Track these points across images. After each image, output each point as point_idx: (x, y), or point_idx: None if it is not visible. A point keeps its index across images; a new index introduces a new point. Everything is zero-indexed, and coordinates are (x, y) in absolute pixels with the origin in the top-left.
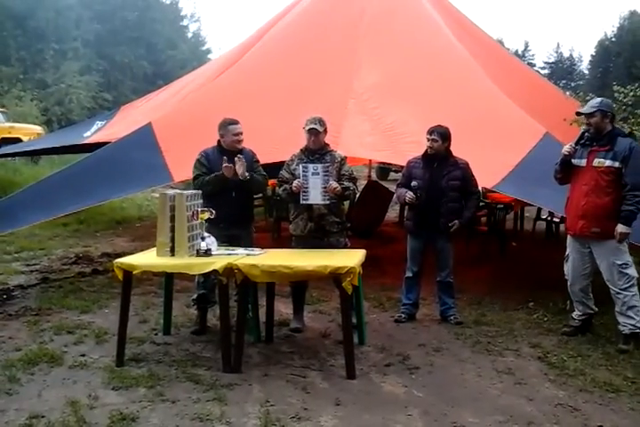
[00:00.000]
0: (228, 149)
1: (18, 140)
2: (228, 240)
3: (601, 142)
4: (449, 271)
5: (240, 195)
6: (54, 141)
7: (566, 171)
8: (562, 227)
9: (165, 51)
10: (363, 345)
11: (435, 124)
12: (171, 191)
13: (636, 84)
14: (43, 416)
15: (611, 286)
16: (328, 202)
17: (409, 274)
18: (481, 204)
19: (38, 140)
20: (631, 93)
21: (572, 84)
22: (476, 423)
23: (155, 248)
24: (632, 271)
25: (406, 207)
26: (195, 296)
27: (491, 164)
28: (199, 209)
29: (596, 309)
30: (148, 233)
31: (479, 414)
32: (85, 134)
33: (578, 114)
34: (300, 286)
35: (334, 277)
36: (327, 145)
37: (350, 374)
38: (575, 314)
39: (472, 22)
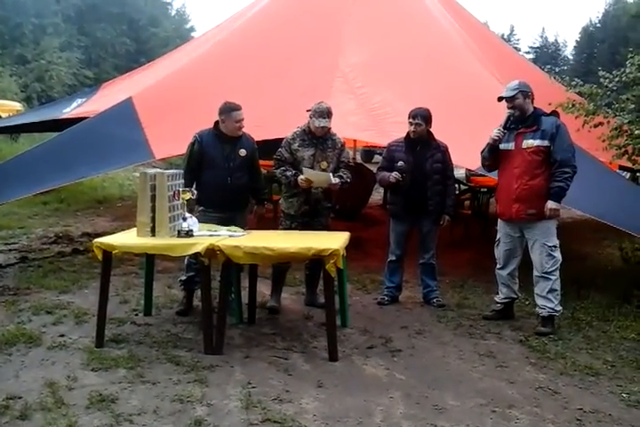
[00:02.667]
0: (227, 134)
1: None
2: (221, 223)
3: (526, 123)
4: (433, 253)
5: (235, 180)
6: (34, 118)
7: (494, 157)
8: None
9: (148, 28)
10: (345, 327)
11: (416, 107)
12: (152, 170)
13: (622, 70)
14: (20, 397)
15: (536, 269)
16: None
17: (392, 258)
18: (464, 187)
19: (17, 116)
20: (616, 79)
21: (557, 70)
22: (458, 406)
23: (135, 228)
24: (558, 255)
25: (389, 191)
26: (184, 278)
27: (475, 145)
28: (180, 189)
29: (519, 294)
30: (129, 213)
31: (460, 396)
32: (65, 110)
33: (499, 99)
34: (281, 267)
35: (318, 259)
36: (329, 129)
37: (332, 357)
38: (498, 297)
39: (459, 4)
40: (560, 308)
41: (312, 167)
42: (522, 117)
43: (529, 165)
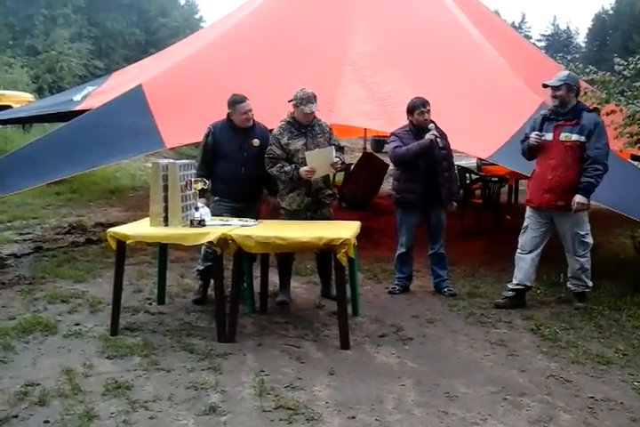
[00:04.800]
0: (239, 125)
1: (8, 108)
2: (236, 213)
3: (567, 117)
4: (442, 243)
5: (249, 170)
6: (44, 107)
7: (533, 151)
8: None
9: (157, 18)
10: (357, 316)
11: (415, 97)
12: (164, 161)
13: (637, 57)
14: (38, 384)
15: (568, 252)
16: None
17: (403, 250)
18: (475, 176)
19: (29, 106)
20: (631, 66)
21: (569, 57)
22: (469, 394)
23: (148, 218)
24: (590, 239)
25: (402, 180)
26: (201, 267)
27: (486, 134)
28: (193, 179)
29: (533, 284)
30: (141, 203)
31: (471, 384)
32: (75, 98)
33: (544, 86)
34: (286, 258)
35: (329, 249)
36: (314, 115)
37: (344, 345)
38: (511, 284)
39: None
40: (591, 283)
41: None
42: (562, 109)
43: (564, 158)
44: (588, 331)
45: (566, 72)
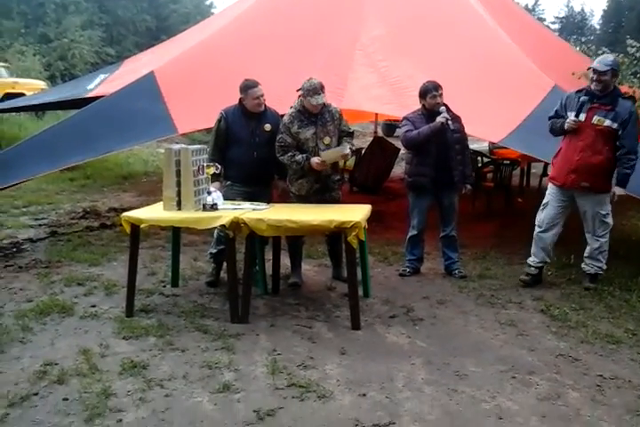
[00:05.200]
0: (250, 110)
1: (22, 96)
2: (248, 197)
3: (603, 100)
4: (454, 226)
5: (261, 155)
6: (58, 95)
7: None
8: None
9: (168, 5)
10: (368, 298)
11: (427, 81)
12: (176, 146)
13: None
14: (56, 364)
15: (588, 232)
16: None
17: (414, 232)
18: (487, 160)
19: (42, 93)
20: None
21: (583, 40)
22: (478, 372)
23: (161, 202)
24: (610, 220)
25: (414, 163)
26: (214, 251)
27: (498, 118)
28: (205, 164)
29: (552, 259)
30: (154, 188)
31: (481, 363)
32: (89, 87)
33: (592, 69)
34: (296, 241)
35: (339, 232)
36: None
37: (355, 325)
38: (532, 261)
39: None
40: (605, 266)
41: (316, 145)
42: (602, 93)
43: (594, 141)
44: (597, 311)
45: (612, 57)
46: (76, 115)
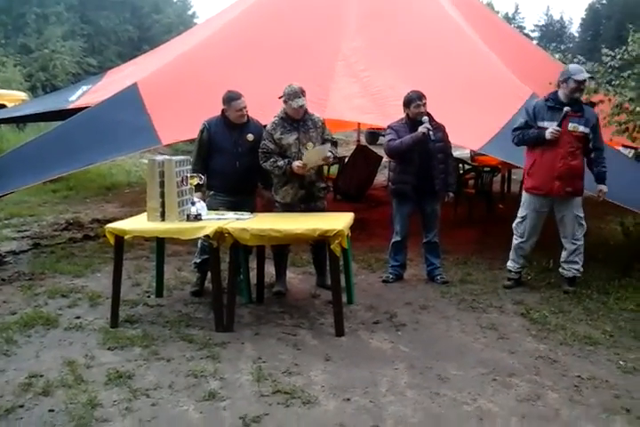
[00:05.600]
0: (233, 122)
1: (2, 107)
2: (231, 207)
3: (574, 108)
4: (436, 232)
5: (244, 165)
6: (39, 107)
7: (538, 141)
8: None
9: (150, 15)
10: (351, 304)
11: (411, 91)
12: (160, 157)
13: (623, 48)
14: (41, 375)
15: (567, 238)
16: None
17: (397, 238)
18: (468, 167)
19: (23, 105)
20: (618, 57)
21: (562, 47)
22: (460, 375)
23: (145, 213)
24: (585, 223)
25: (397, 171)
26: (198, 260)
27: (477, 126)
28: (188, 174)
29: (530, 262)
30: (137, 199)
31: (463, 367)
32: (70, 98)
33: (571, 79)
34: (281, 250)
35: (323, 240)
36: (306, 110)
37: (339, 332)
38: (514, 267)
39: None
40: (582, 269)
41: (299, 151)
42: (573, 101)
43: (572, 147)
44: (576, 314)
45: (581, 66)
46: (59, 126)
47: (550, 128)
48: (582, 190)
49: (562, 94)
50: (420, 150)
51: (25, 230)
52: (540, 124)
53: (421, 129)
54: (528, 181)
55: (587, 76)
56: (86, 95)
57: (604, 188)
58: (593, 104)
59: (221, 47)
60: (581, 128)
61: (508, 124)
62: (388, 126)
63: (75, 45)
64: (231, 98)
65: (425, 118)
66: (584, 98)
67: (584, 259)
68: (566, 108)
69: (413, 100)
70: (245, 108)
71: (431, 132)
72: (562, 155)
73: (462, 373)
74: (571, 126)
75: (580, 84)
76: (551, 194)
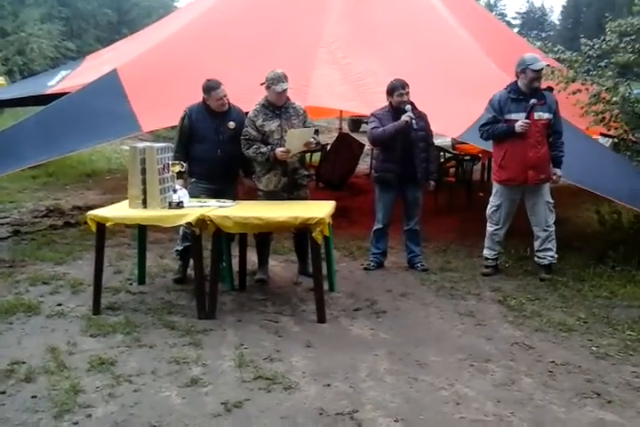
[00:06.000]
0: (214, 110)
1: None
2: (213, 194)
3: (536, 97)
4: (417, 220)
5: (226, 152)
6: (18, 91)
7: (508, 134)
8: None
9: None
10: (333, 292)
11: (394, 79)
12: (141, 144)
13: (602, 38)
14: (24, 362)
15: (539, 225)
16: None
17: (379, 226)
18: (448, 155)
19: (1, 89)
20: (596, 46)
21: (543, 35)
22: (438, 361)
23: (126, 201)
24: (554, 209)
25: (381, 159)
26: (180, 248)
27: (457, 113)
28: (170, 162)
29: (504, 249)
30: (118, 186)
31: (441, 352)
32: (50, 83)
33: (529, 69)
34: (264, 238)
35: (305, 228)
36: (287, 97)
37: (321, 319)
38: (490, 254)
39: None
40: (557, 255)
41: (281, 137)
42: (532, 90)
43: (540, 136)
44: (552, 301)
45: (537, 55)
46: (37, 113)
47: (520, 121)
48: (550, 176)
49: (522, 85)
50: (402, 139)
51: (4, 217)
52: (507, 116)
53: (404, 118)
54: (501, 174)
55: (543, 64)
56: (66, 80)
57: (558, 171)
58: (551, 89)
59: (202, 34)
60: (546, 115)
61: None
62: (372, 114)
63: (52, 29)
64: (210, 87)
65: (408, 107)
66: (579, 88)
67: (560, 247)
68: (532, 101)
69: (396, 89)
70: (225, 96)
71: (414, 121)
72: (531, 144)
73: (440, 359)
74: (536, 116)
75: (538, 74)
76: (527, 183)
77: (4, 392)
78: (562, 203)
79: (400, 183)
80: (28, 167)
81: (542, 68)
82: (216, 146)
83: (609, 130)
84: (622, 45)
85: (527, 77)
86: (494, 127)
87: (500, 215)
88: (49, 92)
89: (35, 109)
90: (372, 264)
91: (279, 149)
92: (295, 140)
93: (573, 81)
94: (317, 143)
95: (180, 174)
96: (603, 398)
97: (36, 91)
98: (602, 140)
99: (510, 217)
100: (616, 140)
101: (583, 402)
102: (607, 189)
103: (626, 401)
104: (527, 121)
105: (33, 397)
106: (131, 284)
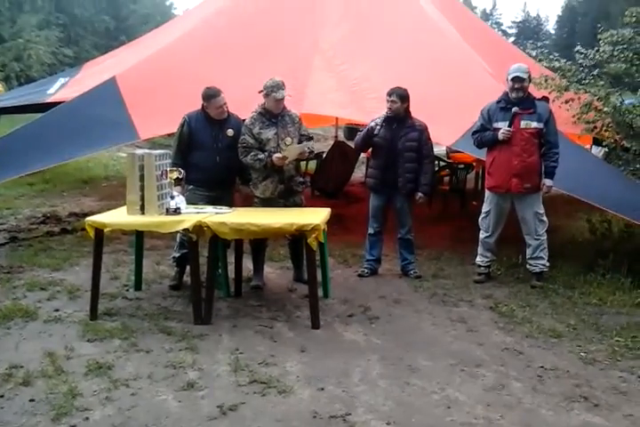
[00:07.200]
0: (213, 117)
1: None
2: (210, 201)
3: (524, 105)
4: (408, 229)
5: (224, 159)
6: (17, 99)
7: (495, 142)
8: None
9: (127, 5)
10: (327, 298)
11: (395, 86)
12: (139, 151)
13: (595, 49)
14: (21, 366)
15: (529, 234)
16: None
17: (370, 231)
18: (443, 164)
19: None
20: (590, 56)
21: (539, 44)
22: (430, 366)
23: (124, 207)
24: (546, 219)
25: (368, 165)
26: (177, 255)
27: (451, 121)
28: (168, 168)
29: (496, 256)
30: (114, 193)
31: (433, 357)
32: (49, 91)
33: (512, 78)
34: (259, 245)
35: (300, 235)
36: (284, 106)
37: (315, 325)
38: (482, 261)
39: None
40: (548, 263)
41: (277, 145)
42: (521, 99)
43: (526, 144)
44: (542, 308)
45: (524, 65)
46: (36, 121)
47: (502, 129)
48: (540, 186)
49: (510, 94)
50: (387, 147)
51: (2, 224)
52: (495, 125)
53: (371, 123)
54: (489, 180)
55: (520, 74)
56: (65, 88)
57: (547, 182)
58: (547, 99)
59: (200, 42)
60: (534, 124)
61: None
62: (372, 121)
63: (50, 35)
64: (210, 95)
65: (383, 113)
66: (571, 97)
67: (552, 255)
68: (514, 109)
69: (387, 95)
70: (225, 104)
71: (378, 127)
72: (517, 153)
73: (432, 363)
74: (523, 124)
75: (515, 83)
76: (511, 191)
77: (2, 396)
78: (555, 211)
79: (387, 191)
80: (24, 174)
81: (519, 77)
82: (214, 153)
83: (601, 139)
84: (615, 54)
85: (508, 86)
86: (482, 135)
87: (490, 222)
88: (49, 100)
89: (33, 117)
90: (366, 271)
91: (276, 155)
92: (291, 152)
93: (566, 90)
94: (311, 152)
95: (177, 181)
96: (590, 401)
97: (37, 99)
98: (595, 149)
99: (500, 224)
100: (607, 150)
101: (571, 406)
102: (598, 198)
103: (612, 405)
104: (509, 129)
105: (31, 400)
106: (127, 290)
